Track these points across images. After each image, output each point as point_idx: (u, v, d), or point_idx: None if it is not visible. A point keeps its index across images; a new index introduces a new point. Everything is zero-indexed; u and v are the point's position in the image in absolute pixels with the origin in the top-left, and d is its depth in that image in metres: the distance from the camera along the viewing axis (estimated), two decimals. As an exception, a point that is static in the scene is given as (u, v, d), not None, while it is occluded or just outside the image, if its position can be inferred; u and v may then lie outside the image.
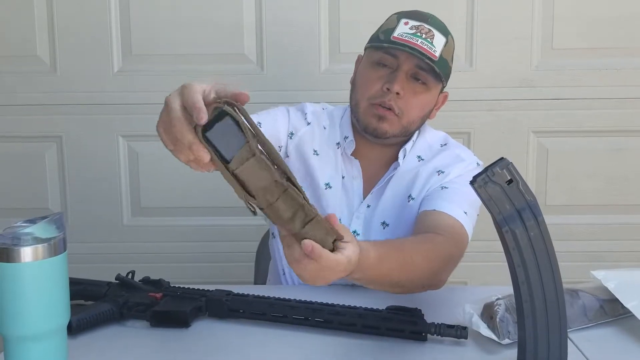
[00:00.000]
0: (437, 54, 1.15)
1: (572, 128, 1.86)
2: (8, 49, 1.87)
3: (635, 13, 1.81)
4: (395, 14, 1.21)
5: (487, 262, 1.84)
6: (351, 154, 1.25)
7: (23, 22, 1.86)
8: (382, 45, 1.16)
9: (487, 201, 0.73)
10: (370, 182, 1.26)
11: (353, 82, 1.26)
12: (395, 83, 1.14)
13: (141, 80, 1.86)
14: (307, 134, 1.28)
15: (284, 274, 1.32)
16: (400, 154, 1.24)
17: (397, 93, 1.15)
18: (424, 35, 1.14)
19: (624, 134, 1.86)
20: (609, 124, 1.85)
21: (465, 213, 1.15)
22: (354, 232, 1.23)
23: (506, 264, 0.75)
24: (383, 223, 1.23)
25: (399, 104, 1.16)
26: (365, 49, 1.24)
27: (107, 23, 1.85)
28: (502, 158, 0.74)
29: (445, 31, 1.19)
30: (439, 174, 1.22)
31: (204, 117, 0.70)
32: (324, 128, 1.30)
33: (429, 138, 1.29)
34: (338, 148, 1.27)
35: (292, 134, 1.28)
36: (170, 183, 1.91)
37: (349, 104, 1.28)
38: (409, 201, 1.22)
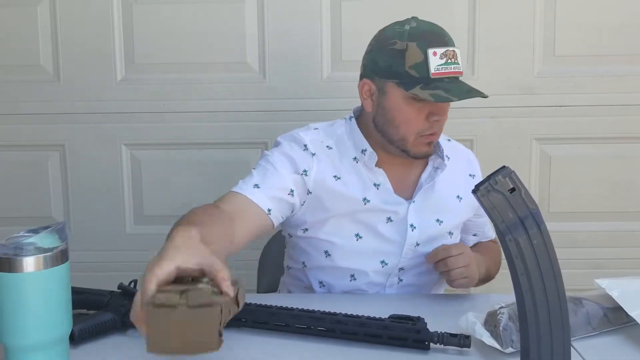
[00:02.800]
0: (462, 69, 1.21)
1: (574, 135, 1.85)
2: (11, 58, 1.88)
3: (637, 20, 1.81)
4: (408, 41, 1.16)
5: (490, 270, 1.83)
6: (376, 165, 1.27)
7: (26, 31, 1.87)
8: (443, 94, 1.15)
9: (490, 210, 0.72)
10: (401, 185, 1.28)
11: (383, 115, 1.22)
12: (444, 115, 1.21)
13: (144, 89, 1.87)
14: (320, 166, 1.25)
15: (305, 266, 1.32)
16: (444, 158, 1.29)
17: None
18: (452, 60, 1.17)
19: (627, 141, 1.86)
20: (612, 130, 1.84)
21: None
22: (411, 225, 1.26)
23: (509, 271, 0.75)
24: (437, 220, 1.29)
25: (441, 126, 1.24)
26: (388, 83, 1.20)
27: (109, 32, 1.86)
28: (504, 166, 0.74)
29: (452, 39, 1.20)
30: (473, 178, 1.36)
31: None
32: (330, 148, 1.28)
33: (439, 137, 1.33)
34: (357, 162, 1.27)
35: (305, 170, 1.24)
36: (173, 191, 1.91)
37: (349, 119, 1.31)
38: (459, 201, 1.32)
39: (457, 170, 1.33)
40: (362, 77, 1.26)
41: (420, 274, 1.29)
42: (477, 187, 0.73)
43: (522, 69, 1.83)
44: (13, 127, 1.90)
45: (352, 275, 1.27)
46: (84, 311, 1.05)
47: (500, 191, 0.72)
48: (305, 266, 1.32)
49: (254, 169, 1.24)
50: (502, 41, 1.82)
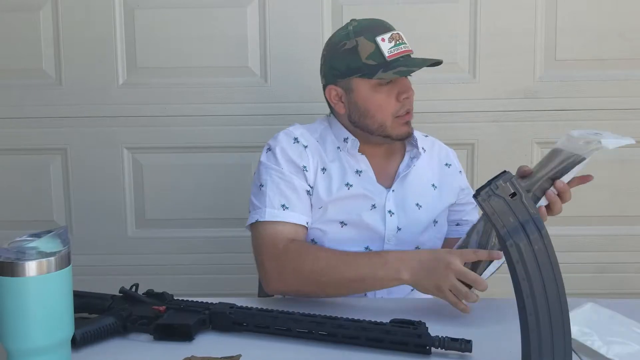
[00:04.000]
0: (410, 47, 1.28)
1: (576, 139, 1.85)
2: (14, 62, 1.89)
3: (638, 24, 1.81)
4: (355, 37, 1.25)
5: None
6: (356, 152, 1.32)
7: (29, 35, 1.87)
8: (405, 69, 1.23)
9: (490, 215, 0.73)
10: (383, 172, 1.33)
11: (357, 110, 1.29)
12: (409, 90, 1.26)
13: (146, 93, 1.87)
14: (313, 159, 1.30)
15: None
16: (419, 148, 1.35)
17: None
18: (400, 41, 1.26)
19: (628, 146, 1.84)
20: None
21: None
22: (389, 211, 1.30)
23: (510, 276, 0.75)
24: (417, 204, 1.33)
25: (411, 103, 1.29)
26: (351, 80, 1.27)
27: (112, 36, 1.86)
28: (504, 171, 0.74)
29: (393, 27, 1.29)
30: (449, 167, 1.41)
31: None
32: (317, 141, 1.34)
33: (415, 131, 1.38)
34: (340, 151, 1.33)
35: (305, 167, 1.29)
36: (175, 195, 1.91)
37: (328, 117, 1.39)
38: (434, 189, 1.36)
39: (433, 161, 1.39)
40: (325, 86, 1.34)
41: None
42: (478, 192, 0.73)
43: (524, 74, 1.84)
44: (15, 131, 1.91)
45: None
46: (86, 315, 1.06)
47: (501, 196, 0.73)
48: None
49: (263, 191, 1.26)
50: (504, 46, 1.82)
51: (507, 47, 1.82)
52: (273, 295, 1.36)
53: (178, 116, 1.87)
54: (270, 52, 1.85)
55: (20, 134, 1.91)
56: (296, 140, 1.31)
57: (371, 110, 1.27)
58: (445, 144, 1.48)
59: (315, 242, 1.30)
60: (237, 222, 1.91)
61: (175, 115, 1.87)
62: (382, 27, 1.27)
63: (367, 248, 1.30)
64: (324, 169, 1.31)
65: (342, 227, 1.29)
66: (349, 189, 1.29)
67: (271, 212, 1.23)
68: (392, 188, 1.32)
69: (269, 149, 1.31)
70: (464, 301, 1.06)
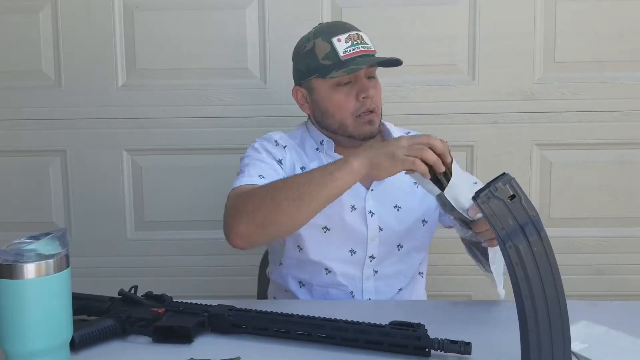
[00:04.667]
0: (372, 47, 1.29)
1: (575, 141, 1.86)
2: (13, 64, 1.89)
3: (637, 26, 1.81)
4: (314, 39, 1.30)
5: (491, 276, 1.83)
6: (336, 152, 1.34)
7: (28, 37, 1.87)
8: (355, 67, 1.24)
9: (490, 217, 0.73)
10: None
11: (318, 110, 1.33)
12: (368, 90, 1.27)
13: (145, 95, 1.87)
14: (291, 156, 1.34)
15: (302, 286, 1.34)
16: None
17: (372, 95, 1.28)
18: (358, 41, 1.27)
19: (628, 147, 1.86)
20: (613, 136, 1.85)
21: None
22: (370, 212, 1.30)
23: (509, 277, 0.75)
24: (396, 206, 1.32)
25: (374, 102, 1.29)
26: (311, 80, 1.31)
27: (111, 38, 1.86)
28: (504, 173, 0.74)
29: (357, 28, 1.31)
30: None
31: None
32: (298, 145, 1.37)
33: (394, 130, 1.39)
34: (318, 152, 1.35)
35: (280, 160, 1.33)
36: (174, 197, 1.91)
37: (306, 123, 1.41)
38: (417, 187, 1.32)
39: None
40: (293, 88, 1.38)
41: (394, 263, 1.33)
42: (478, 194, 0.73)
43: (523, 75, 1.84)
44: (14, 133, 1.91)
45: (326, 269, 1.30)
46: (85, 317, 1.05)
47: (500, 198, 0.73)
48: (281, 264, 1.36)
49: (244, 167, 1.30)
50: (503, 47, 1.82)
51: (506, 49, 1.82)
52: (267, 297, 1.36)
53: (177, 118, 1.87)
54: (270, 54, 1.85)
55: (20, 136, 1.91)
56: (276, 142, 1.36)
57: (330, 109, 1.30)
58: None
59: (302, 249, 1.30)
60: (237, 224, 1.91)
61: (174, 117, 1.87)
62: (341, 28, 1.29)
63: (351, 250, 1.30)
64: (303, 168, 1.32)
65: (325, 232, 1.29)
66: None
67: (247, 179, 1.24)
68: (371, 188, 1.32)
69: (252, 145, 1.36)
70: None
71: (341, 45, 1.26)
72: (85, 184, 1.92)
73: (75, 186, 1.93)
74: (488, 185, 0.73)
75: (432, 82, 1.82)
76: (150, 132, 1.89)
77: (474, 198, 0.73)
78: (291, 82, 1.88)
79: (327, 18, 1.83)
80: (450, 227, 1.35)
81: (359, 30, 1.31)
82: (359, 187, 1.30)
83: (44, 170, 1.93)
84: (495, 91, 1.84)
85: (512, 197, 0.73)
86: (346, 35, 1.27)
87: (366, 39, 1.29)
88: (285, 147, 1.35)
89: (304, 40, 1.33)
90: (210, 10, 1.84)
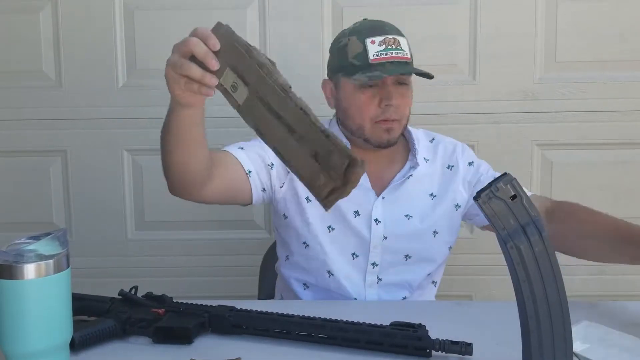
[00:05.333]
0: (409, 55, 1.25)
1: (576, 141, 1.85)
2: (14, 64, 1.89)
3: (638, 26, 1.81)
4: (349, 36, 1.26)
5: (492, 276, 1.83)
6: None
7: (29, 37, 1.87)
8: (378, 73, 1.21)
9: (491, 217, 0.72)
10: (379, 179, 1.31)
11: (340, 109, 1.30)
12: (392, 99, 1.22)
13: (145, 95, 1.87)
14: None
15: (306, 288, 1.33)
16: (418, 157, 1.32)
17: (396, 105, 1.23)
18: (393, 46, 1.23)
19: (629, 147, 1.86)
20: (614, 136, 1.84)
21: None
22: (376, 219, 1.28)
23: (511, 278, 0.75)
24: (407, 215, 1.30)
25: (398, 112, 1.25)
26: (339, 77, 1.27)
27: (112, 38, 1.86)
28: (505, 173, 0.74)
29: (399, 31, 1.27)
30: (450, 169, 1.34)
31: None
32: None
33: (420, 138, 1.36)
34: None
35: None
36: (174, 197, 1.91)
37: (333, 118, 1.37)
38: (432, 199, 1.32)
39: (436, 169, 1.35)
40: (323, 80, 1.36)
41: (399, 272, 1.30)
42: (479, 194, 0.72)
43: (524, 75, 1.83)
44: (15, 133, 1.91)
45: (329, 272, 1.29)
46: (85, 318, 1.05)
47: (501, 198, 0.72)
48: (288, 259, 1.35)
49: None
50: (504, 47, 1.82)
51: (507, 49, 1.82)
52: (268, 298, 1.36)
53: (178, 118, 1.87)
54: (270, 55, 1.84)
55: (20, 136, 1.91)
56: None
57: (351, 110, 1.27)
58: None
59: (308, 245, 1.30)
60: (237, 224, 1.91)
61: (175, 117, 1.87)
62: (379, 29, 1.25)
63: (353, 254, 1.29)
64: None
65: (330, 231, 1.29)
66: None
67: (228, 146, 1.27)
68: (383, 195, 1.30)
69: None
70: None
71: (373, 47, 1.22)
72: (86, 184, 1.92)
73: (75, 186, 1.93)
74: (489, 185, 0.73)
75: (433, 82, 1.80)
76: (151, 132, 1.88)
77: (475, 198, 0.73)
78: (291, 81, 1.88)
79: (327, 18, 1.83)
80: (486, 226, 1.34)
81: (399, 35, 1.25)
82: (367, 193, 1.29)
83: (44, 170, 1.93)
84: (496, 91, 1.84)
85: (514, 197, 0.72)
86: (382, 38, 1.23)
87: (403, 45, 1.24)
88: None
89: (342, 35, 1.30)
90: (211, 10, 1.83)
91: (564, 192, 1.87)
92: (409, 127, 1.36)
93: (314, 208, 1.28)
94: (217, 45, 0.84)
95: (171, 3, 1.85)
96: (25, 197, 1.94)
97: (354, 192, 1.25)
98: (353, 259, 1.29)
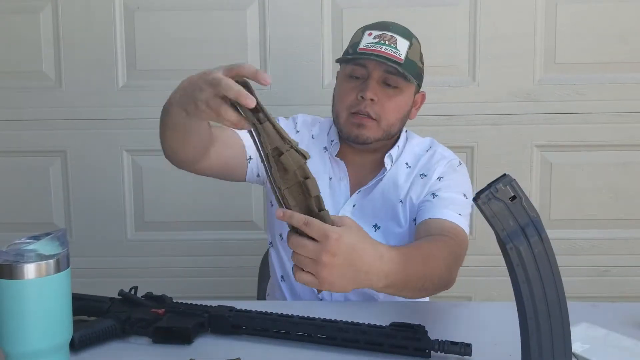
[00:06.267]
0: (403, 57, 1.21)
1: (575, 142, 1.86)
2: (14, 65, 1.89)
3: (638, 27, 1.81)
4: (360, 28, 1.28)
5: (491, 277, 1.83)
6: (338, 157, 1.30)
7: (29, 37, 1.87)
8: (350, 58, 1.22)
9: (490, 218, 0.72)
10: (358, 185, 1.29)
11: (333, 96, 1.31)
12: (367, 90, 1.20)
13: (145, 96, 1.87)
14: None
15: (283, 280, 1.34)
16: (387, 160, 1.27)
17: (372, 99, 1.21)
18: (387, 42, 1.21)
19: (628, 148, 1.86)
20: (613, 137, 1.85)
21: (460, 214, 1.20)
22: None
23: (510, 279, 0.75)
24: (375, 225, 1.27)
25: (375, 109, 1.22)
26: (340, 64, 1.29)
27: (112, 39, 1.86)
28: (505, 174, 0.73)
29: (408, 35, 1.25)
30: (422, 178, 1.28)
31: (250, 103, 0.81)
32: (312, 137, 1.35)
33: (415, 145, 1.33)
34: (325, 152, 1.32)
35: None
36: (174, 197, 1.91)
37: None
38: (401, 205, 1.27)
39: (412, 175, 1.28)
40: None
41: None
42: (478, 194, 0.72)
43: (523, 77, 1.84)
44: (15, 133, 1.91)
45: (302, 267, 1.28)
46: (85, 318, 1.05)
47: (501, 199, 0.72)
48: (272, 245, 1.36)
49: None
50: (504, 49, 1.82)
51: (507, 50, 1.82)
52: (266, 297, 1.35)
53: (178, 119, 1.87)
54: (270, 55, 1.85)
55: (20, 136, 1.91)
56: (295, 124, 1.36)
57: (336, 97, 1.28)
58: (445, 146, 1.44)
59: (282, 238, 1.31)
60: (237, 224, 1.92)
61: (175, 118, 1.87)
62: (383, 26, 1.25)
63: None
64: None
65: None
66: None
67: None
68: (353, 203, 1.27)
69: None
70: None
71: (367, 39, 1.22)
72: (86, 184, 1.92)
73: (75, 186, 1.93)
74: (489, 186, 0.72)
75: (432, 83, 1.82)
76: (151, 132, 1.87)
77: (474, 199, 0.73)
78: (292, 83, 1.90)
79: (327, 19, 1.84)
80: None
81: (404, 37, 1.23)
82: (343, 200, 1.27)
83: (44, 170, 1.93)
84: (495, 92, 1.84)
85: (513, 198, 0.72)
86: (379, 32, 1.22)
87: (400, 46, 1.21)
88: (298, 132, 1.34)
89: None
90: (211, 11, 1.84)
91: (562, 194, 1.88)
92: (412, 133, 1.35)
93: None
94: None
95: (171, 4, 1.85)
96: (25, 197, 1.94)
97: (332, 194, 1.25)
98: None
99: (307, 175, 0.82)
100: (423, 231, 1.17)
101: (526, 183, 1.85)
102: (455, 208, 1.20)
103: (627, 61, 1.82)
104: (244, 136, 1.26)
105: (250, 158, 1.28)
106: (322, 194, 1.24)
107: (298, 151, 0.82)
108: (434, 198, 1.23)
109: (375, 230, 1.26)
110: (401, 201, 1.27)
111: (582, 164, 1.87)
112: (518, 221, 0.73)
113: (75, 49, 1.87)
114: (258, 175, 1.31)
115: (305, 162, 0.82)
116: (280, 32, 1.84)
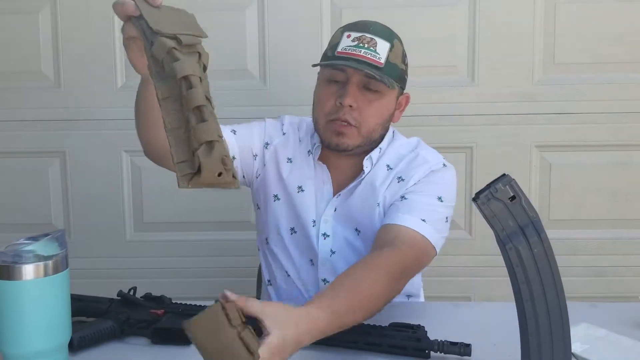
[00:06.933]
0: (383, 60, 1.15)
1: (574, 142, 1.85)
2: (12, 65, 1.88)
3: (637, 28, 1.81)
4: (340, 28, 1.22)
5: (490, 277, 1.83)
6: (320, 160, 1.27)
7: (28, 38, 1.87)
8: (328, 63, 1.17)
9: (490, 218, 0.72)
10: (341, 188, 1.27)
11: (313, 99, 1.27)
12: (346, 97, 1.15)
13: (144, 96, 1.87)
14: (281, 143, 1.30)
15: (270, 284, 1.34)
16: (366, 162, 1.23)
17: (350, 106, 1.15)
18: (366, 45, 1.15)
19: (628, 148, 1.86)
20: (612, 138, 1.84)
21: (424, 220, 1.13)
22: (324, 234, 1.25)
23: (510, 280, 0.75)
24: (356, 229, 1.24)
25: (354, 116, 1.17)
26: (316, 64, 1.23)
27: (110, 39, 1.86)
28: (504, 174, 0.73)
29: (388, 36, 1.19)
30: (399, 181, 1.22)
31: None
32: (299, 140, 1.31)
33: (399, 146, 1.28)
34: (309, 155, 1.29)
35: (267, 143, 1.30)
36: (173, 198, 1.91)
37: None
38: (378, 207, 1.23)
39: (389, 176, 1.24)
40: None
41: None
42: (477, 195, 0.72)
43: (522, 77, 1.84)
44: (13, 134, 1.90)
45: (286, 272, 1.30)
46: (84, 319, 1.05)
47: (500, 199, 0.72)
48: (258, 249, 1.37)
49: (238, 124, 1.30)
50: (502, 49, 1.82)
51: (506, 51, 1.82)
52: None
53: (177, 119, 1.87)
54: (269, 55, 1.85)
55: (19, 137, 1.90)
56: (282, 125, 1.33)
57: (315, 102, 1.24)
58: (444, 147, 1.43)
59: (267, 243, 1.31)
60: (236, 225, 1.91)
61: (173, 118, 1.87)
62: (362, 27, 1.18)
63: (311, 261, 1.27)
64: (290, 160, 1.29)
65: (291, 234, 1.28)
66: (298, 192, 1.27)
67: (224, 126, 1.24)
68: (335, 207, 1.25)
69: (263, 119, 1.35)
70: None
71: (346, 41, 1.16)
72: (85, 185, 1.92)
73: (74, 187, 1.93)
74: (488, 186, 0.72)
75: (431, 83, 1.82)
76: (150, 133, 1.89)
77: (474, 199, 0.73)
78: (290, 83, 1.89)
79: (326, 19, 1.83)
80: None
81: (384, 39, 1.17)
82: (323, 203, 1.26)
83: (43, 171, 1.93)
84: (494, 92, 1.84)
85: (513, 198, 0.72)
86: (358, 35, 1.16)
87: (380, 49, 1.15)
88: (284, 133, 1.31)
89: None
90: (210, 12, 1.83)
91: (562, 194, 1.88)
92: (398, 133, 1.31)
93: (281, 206, 1.28)
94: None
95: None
96: (24, 198, 1.93)
97: (311, 201, 1.24)
98: (312, 264, 1.27)
99: (176, 58, 0.70)
100: (379, 238, 1.13)
101: (525, 183, 1.85)
102: (421, 214, 1.14)
103: (626, 61, 1.82)
104: (229, 138, 1.24)
105: (233, 158, 1.25)
106: (309, 198, 1.21)
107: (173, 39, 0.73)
108: (401, 201, 1.18)
109: (358, 234, 1.24)
110: (378, 204, 1.23)
111: (581, 164, 1.87)
112: (517, 221, 0.73)
113: (74, 50, 1.87)
114: (243, 177, 1.30)
115: (179, 46, 0.73)
116: (279, 32, 1.84)
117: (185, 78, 0.70)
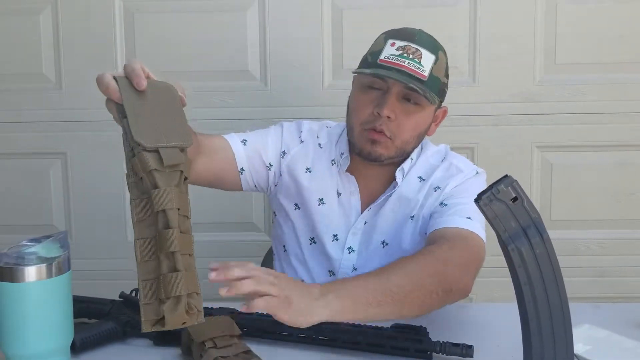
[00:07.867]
0: (427, 74, 1.12)
1: (576, 143, 1.85)
2: (14, 67, 1.89)
3: (638, 28, 1.81)
4: (383, 33, 1.19)
5: (493, 278, 1.82)
6: (348, 171, 1.24)
7: (29, 39, 1.87)
8: (370, 71, 1.13)
9: (492, 219, 0.72)
10: (370, 199, 1.24)
11: (348, 105, 1.24)
12: (384, 107, 1.12)
13: (146, 97, 1.87)
14: (299, 152, 1.27)
15: None
16: (398, 174, 1.21)
17: (388, 117, 1.13)
18: (411, 56, 1.12)
19: (629, 148, 1.86)
20: (614, 138, 1.84)
21: (469, 218, 1.13)
22: (349, 247, 1.23)
23: (512, 281, 0.75)
24: (383, 242, 1.22)
25: (390, 127, 1.14)
26: (357, 72, 1.19)
27: (112, 41, 1.86)
28: (506, 175, 0.73)
29: (434, 48, 1.16)
30: (435, 191, 1.21)
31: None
32: (320, 146, 1.28)
33: (430, 156, 1.26)
34: (333, 165, 1.26)
35: (284, 152, 1.27)
36: (175, 199, 1.91)
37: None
38: (411, 220, 1.21)
39: (424, 189, 1.22)
40: None
41: None
42: (480, 196, 0.72)
43: (524, 77, 1.83)
44: (15, 135, 1.90)
45: (302, 281, 1.27)
46: (85, 320, 1.05)
47: (502, 200, 0.72)
48: (273, 260, 1.36)
49: (249, 130, 1.28)
50: (504, 49, 1.82)
51: (507, 51, 1.82)
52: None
53: (178, 120, 1.87)
54: (270, 56, 1.85)
55: (20, 138, 1.91)
56: (300, 133, 1.29)
57: (350, 108, 1.21)
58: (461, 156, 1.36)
59: (285, 250, 1.30)
60: (237, 226, 1.91)
61: (175, 120, 1.87)
62: (407, 36, 1.14)
63: (330, 272, 1.26)
64: (309, 169, 1.26)
65: (310, 243, 1.27)
66: (319, 204, 1.24)
67: (232, 135, 1.23)
68: (365, 220, 1.23)
69: (279, 123, 1.32)
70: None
71: (390, 49, 1.12)
72: (86, 186, 1.92)
73: (75, 189, 1.93)
74: (490, 187, 0.72)
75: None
76: (151, 134, 1.89)
77: (476, 200, 0.73)
78: (291, 84, 1.89)
79: (327, 20, 1.83)
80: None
81: (429, 51, 1.14)
82: (353, 217, 1.23)
83: (44, 173, 1.93)
84: (496, 93, 1.84)
85: (515, 199, 0.72)
86: (403, 44, 1.12)
87: (425, 62, 1.12)
88: (302, 142, 1.27)
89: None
90: (211, 13, 1.84)
91: (563, 194, 1.88)
92: (427, 142, 1.29)
93: (301, 216, 1.26)
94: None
95: (171, 6, 1.85)
96: (26, 199, 1.94)
97: (336, 215, 1.23)
98: (330, 275, 1.26)
99: (155, 184, 0.69)
100: (428, 243, 1.12)
101: (527, 184, 1.84)
102: (465, 213, 1.13)
103: (627, 61, 1.82)
104: (237, 147, 1.22)
105: (242, 170, 1.23)
106: (330, 211, 1.20)
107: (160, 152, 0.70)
108: (442, 207, 1.17)
109: (383, 247, 1.22)
110: (412, 217, 1.21)
111: (582, 165, 1.86)
112: (520, 222, 0.73)
113: (75, 51, 1.87)
114: (255, 186, 1.27)
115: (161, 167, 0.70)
116: (280, 33, 1.84)
117: (164, 211, 0.69)
